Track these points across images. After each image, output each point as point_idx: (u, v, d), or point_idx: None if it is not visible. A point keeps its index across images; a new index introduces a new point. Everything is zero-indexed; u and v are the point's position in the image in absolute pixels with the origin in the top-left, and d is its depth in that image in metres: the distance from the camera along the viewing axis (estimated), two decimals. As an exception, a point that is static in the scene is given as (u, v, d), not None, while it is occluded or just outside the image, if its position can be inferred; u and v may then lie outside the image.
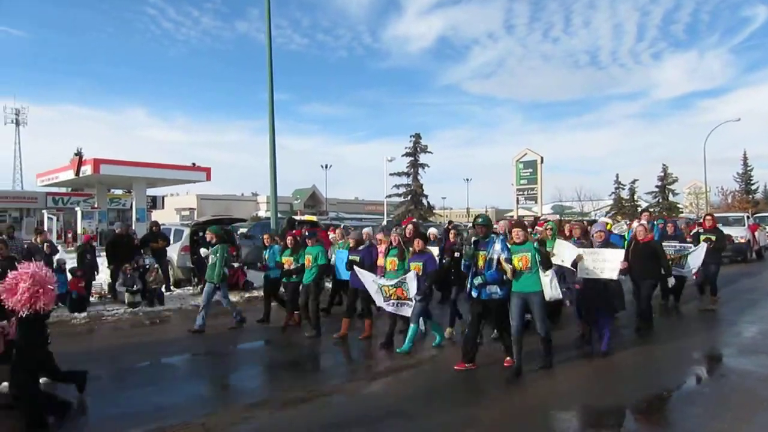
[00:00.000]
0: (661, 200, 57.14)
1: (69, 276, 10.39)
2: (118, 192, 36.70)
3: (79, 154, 22.70)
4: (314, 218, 21.57)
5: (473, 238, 6.22)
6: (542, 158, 38.66)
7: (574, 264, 6.96)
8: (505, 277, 5.92)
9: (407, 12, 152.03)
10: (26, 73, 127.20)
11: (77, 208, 30.05)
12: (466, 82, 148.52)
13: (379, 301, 7.57)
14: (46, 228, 25.18)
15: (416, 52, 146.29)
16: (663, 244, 9.43)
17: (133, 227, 17.24)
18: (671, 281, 9.78)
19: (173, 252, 13.22)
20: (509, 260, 5.87)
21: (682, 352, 7.26)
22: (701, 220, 12.90)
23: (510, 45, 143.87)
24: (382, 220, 37.04)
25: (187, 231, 13.55)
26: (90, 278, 11.23)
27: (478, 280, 5.97)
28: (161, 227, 13.41)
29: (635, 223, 10.55)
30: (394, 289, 7.27)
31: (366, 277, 7.71)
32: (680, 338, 8.02)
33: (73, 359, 6.15)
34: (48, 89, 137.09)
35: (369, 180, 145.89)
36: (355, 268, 7.85)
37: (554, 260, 6.53)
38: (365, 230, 8.71)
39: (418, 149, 52.98)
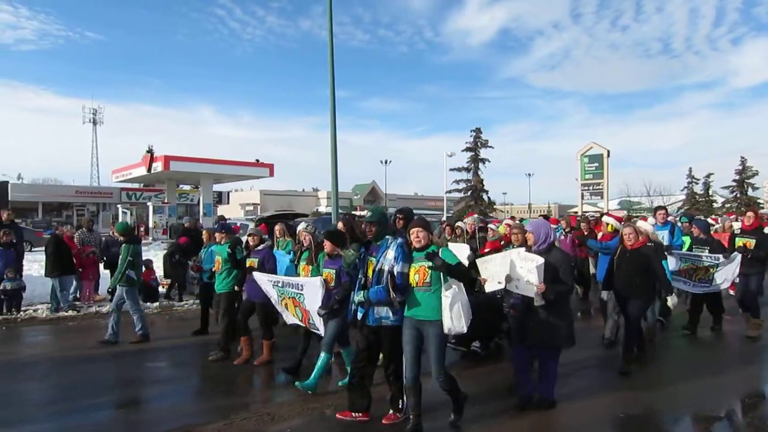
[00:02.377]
0: (738, 195, 54.06)
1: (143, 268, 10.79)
2: (186, 187, 38.13)
3: (150, 151, 23.74)
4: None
5: (366, 240, 4.74)
6: (608, 152, 37.30)
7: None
8: (393, 295, 4.28)
9: (469, 4, 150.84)
10: (103, 74, 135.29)
11: (149, 203, 31.42)
12: (529, 74, 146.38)
13: (288, 317, 6.09)
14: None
15: (477, 45, 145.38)
16: (684, 251, 7.97)
17: (201, 222, 17.84)
18: (672, 301, 6.74)
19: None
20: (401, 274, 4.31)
21: (684, 406, 5.19)
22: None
23: (576, 35, 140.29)
24: (442, 215, 36.77)
25: (251, 224, 13.85)
26: (181, 281, 11.47)
27: (359, 297, 4.43)
28: (227, 221, 13.80)
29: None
30: (290, 299, 5.87)
31: (264, 284, 6.20)
32: (687, 382, 5.79)
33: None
34: (123, 89, 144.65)
35: (428, 175, 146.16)
36: (254, 273, 6.32)
37: (488, 284, 4.96)
38: (300, 227, 6.66)
39: (479, 144, 52.16)
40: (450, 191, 49.83)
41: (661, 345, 7.40)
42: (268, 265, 6.46)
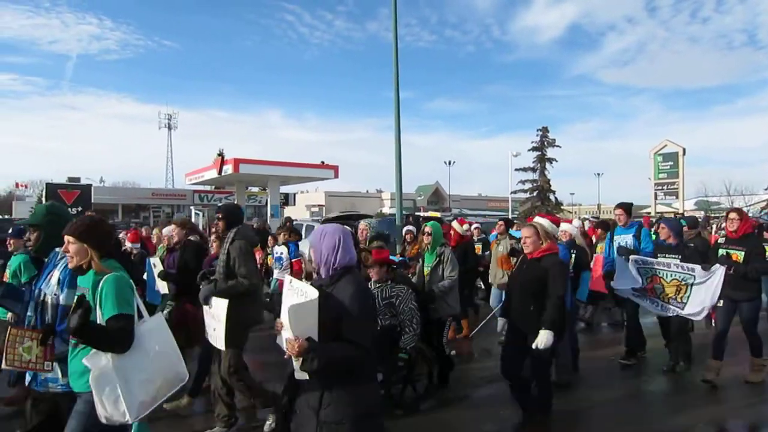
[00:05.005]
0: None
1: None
2: (255, 189, 39.28)
3: (221, 154, 24.58)
4: (438, 214, 21.51)
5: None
6: (684, 150, 35.60)
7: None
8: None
9: (537, 2, 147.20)
10: (178, 81, 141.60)
11: (219, 205, 32.54)
12: (600, 71, 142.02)
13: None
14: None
15: (545, 42, 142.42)
16: (655, 261, 5.96)
17: (268, 223, 18.30)
18: (541, 339, 4.09)
19: (304, 247, 13.81)
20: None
21: None
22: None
23: (651, 28, 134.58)
24: (507, 216, 36.09)
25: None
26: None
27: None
28: (294, 223, 14.07)
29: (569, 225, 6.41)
30: None
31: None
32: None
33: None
34: (196, 95, 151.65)
35: (493, 176, 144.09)
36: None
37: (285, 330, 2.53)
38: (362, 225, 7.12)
39: (546, 143, 50.94)
40: (515, 191, 48.88)
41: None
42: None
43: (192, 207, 38.38)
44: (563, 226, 6.36)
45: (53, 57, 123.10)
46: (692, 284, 5.62)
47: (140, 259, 6.88)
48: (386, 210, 51.80)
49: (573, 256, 6.04)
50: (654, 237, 7.16)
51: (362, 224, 7.58)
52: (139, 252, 7.37)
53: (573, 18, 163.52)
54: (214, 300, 4.21)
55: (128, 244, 7.65)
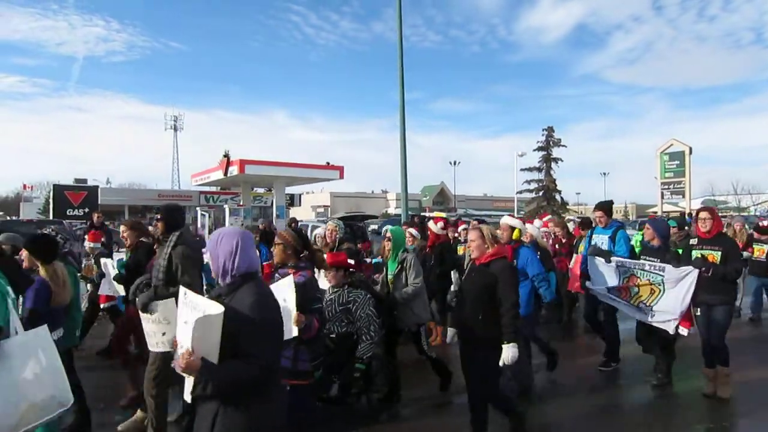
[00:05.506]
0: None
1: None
2: (260, 190, 39.36)
3: (227, 155, 24.63)
4: (443, 214, 21.51)
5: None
6: (691, 149, 35.44)
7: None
8: None
9: (543, 1, 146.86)
10: (184, 82, 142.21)
11: (225, 206, 32.58)
12: (606, 70, 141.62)
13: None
14: (199, 224, 27.67)
15: (551, 42, 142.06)
16: (631, 261, 5.76)
17: (274, 223, 18.35)
18: (508, 354, 3.85)
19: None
20: None
21: None
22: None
23: (659, 27, 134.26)
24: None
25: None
26: None
27: None
28: (299, 224, 14.12)
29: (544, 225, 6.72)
30: None
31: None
32: None
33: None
34: (202, 96, 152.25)
35: (498, 176, 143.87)
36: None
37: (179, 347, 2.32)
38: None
39: (551, 143, 50.82)
40: (521, 191, 48.84)
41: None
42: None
43: (198, 208, 38.49)
44: (527, 227, 6.19)
45: (60, 59, 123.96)
46: (664, 286, 5.33)
47: (97, 260, 6.83)
48: (391, 210, 51.82)
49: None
50: (640, 238, 7.06)
51: (330, 225, 7.05)
52: (99, 252, 7.25)
53: (579, 17, 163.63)
54: (164, 304, 4.01)
55: (88, 244, 7.49)
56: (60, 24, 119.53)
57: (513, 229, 5.48)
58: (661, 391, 5.54)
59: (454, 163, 61.40)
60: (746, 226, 9.72)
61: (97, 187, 36.73)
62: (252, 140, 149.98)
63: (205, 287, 4.83)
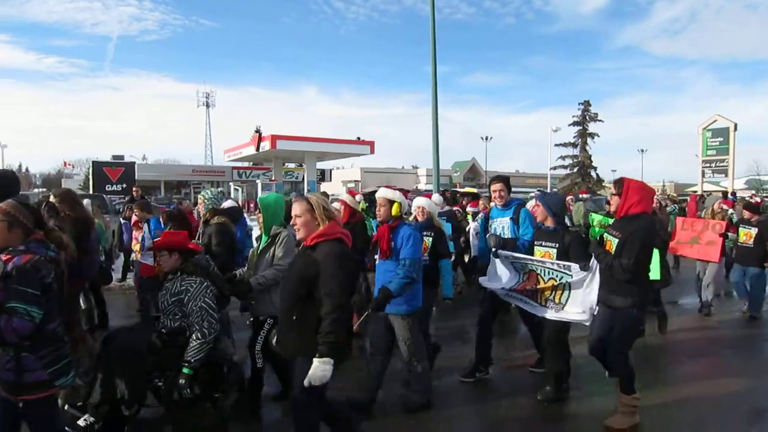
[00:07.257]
0: None
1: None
2: (292, 165, 39.65)
3: (258, 131, 24.82)
4: (474, 190, 21.31)
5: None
6: (735, 125, 34.04)
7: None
8: None
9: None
10: (216, 59, 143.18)
11: (257, 181, 33.02)
12: (648, 42, 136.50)
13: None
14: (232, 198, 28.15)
15: (589, 12, 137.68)
16: (528, 258, 4.58)
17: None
18: (319, 372, 2.77)
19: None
20: None
21: None
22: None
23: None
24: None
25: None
26: None
27: None
28: (330, 197, 14.17)
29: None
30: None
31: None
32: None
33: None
34: (234, 73, 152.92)
35: (531, 152, 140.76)
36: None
37: None
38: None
39: (587, 118, 49.58)
40: (555, 168, 47.95)
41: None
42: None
43: (231, 183, 39.07)
44: (417, 200, 5.09)
45: (95, 39, 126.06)
46: (570, 286, 4.33)
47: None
48: (422, 186, 51.61)
49: (430, 239, 4.88)
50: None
51: (199, 197, 5.63)
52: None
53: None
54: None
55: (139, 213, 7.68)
56: (95, 4, 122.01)
57: (392, 203, 4.27)
58: (544, 411, 4.32)
59: (486, 139, 60.62)
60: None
61: (134, 163, 37.51)
62: (283, 116, 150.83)
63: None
